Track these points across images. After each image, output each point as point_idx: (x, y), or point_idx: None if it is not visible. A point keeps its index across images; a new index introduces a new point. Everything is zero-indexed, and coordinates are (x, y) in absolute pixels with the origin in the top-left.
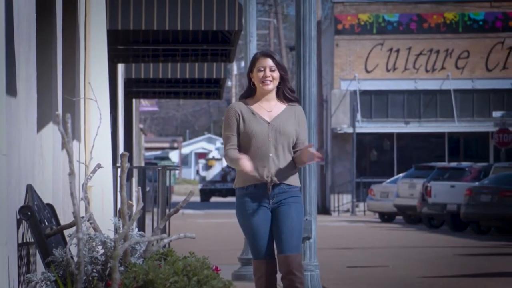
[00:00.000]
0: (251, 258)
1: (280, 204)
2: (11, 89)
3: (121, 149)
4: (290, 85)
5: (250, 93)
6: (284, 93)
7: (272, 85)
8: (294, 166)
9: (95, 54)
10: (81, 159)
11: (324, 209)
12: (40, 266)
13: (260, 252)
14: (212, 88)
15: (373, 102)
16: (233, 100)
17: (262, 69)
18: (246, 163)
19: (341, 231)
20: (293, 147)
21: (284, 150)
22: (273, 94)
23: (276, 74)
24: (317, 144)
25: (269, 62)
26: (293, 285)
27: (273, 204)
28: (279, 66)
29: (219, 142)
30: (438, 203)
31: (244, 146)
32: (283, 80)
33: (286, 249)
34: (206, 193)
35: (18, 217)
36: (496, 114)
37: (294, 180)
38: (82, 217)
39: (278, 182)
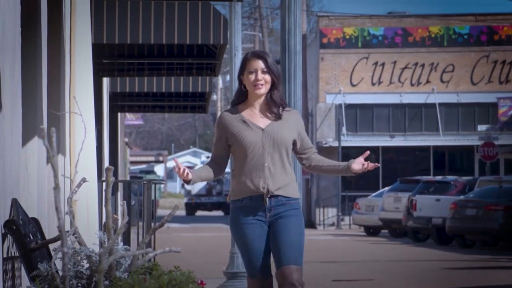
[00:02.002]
0: (237, 272)
1: (278, 217)
2: None
3: (106, 163)
4: (280, 91)
5: (241, 97)
6: (273, 98)
7: (264, 89)
8: (293, 175)
9: (80, 68)
10: (66, 173)
11: (309, 223)
12: (25, 280)
13: (255, 269)
14: (197, 102)
15: (358, 116)
16: (219, 114)
17: (253, 71)
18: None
19: (326, 244)
20: (299, 153)
21: (281, 158)
22: (265, 99)
23: (268, 77)
24: None
25: (261, 64)
26: None
27: (270, 218)
28: (271, 69)
29: (204, 156)
30: (423, 217)
31: (238, 156)
32: (273, 84)
33: (285, 261)
34: (192, 207)
35: (3, 231)
36: (481, 127)
37: (292, 191)
38: (67, 231)
39: (275, 193)
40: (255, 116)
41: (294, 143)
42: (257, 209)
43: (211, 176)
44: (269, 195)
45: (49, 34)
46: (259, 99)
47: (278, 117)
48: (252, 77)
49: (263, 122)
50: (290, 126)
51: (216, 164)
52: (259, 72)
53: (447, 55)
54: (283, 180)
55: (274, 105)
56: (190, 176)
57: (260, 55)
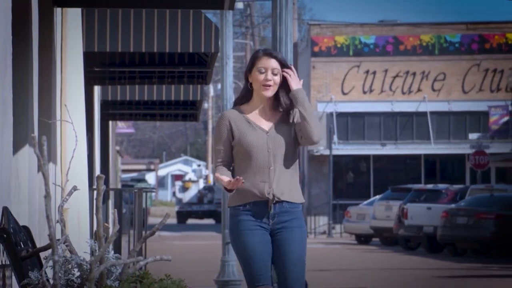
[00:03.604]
0: (228, 281)
1: (282, 228)
2: None
3: (97, 171)
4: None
5: (246, 96)
6: (281, 100)
7: (272, 91)
8: (296, 179)
9: (71, 76)
10: (57, 181)
11: None
12: None
13: (256, 279)
14: (188, 110)
15: (350, 124)
16: (210, 122)
17: (263, 70)
18: (224, 179)
19: (317, 253)
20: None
21: (286, 161)
22: (271, 99)
23: (278, 79)
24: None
25: (273, 63)
26: None
27: (273, 225)
28: (281, 70)
29: (195, 164)
30: (415, 225)
31: (241, 159)
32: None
33: (289, 279)
34: (183, 215)
35: None
36: (472, 136)
37: (297, 196)
38: (58, 240)
39: (280, 199)
40: (259, 118)
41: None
42: (260, 216)
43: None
44: (274, 201)
45: (40, 42)
46: (265, 100)
47: (282, 119)
48: (262, 76)
49: (266, 124)
50: (291, 126)
51: (229, 166)
52: (269, 72)
53: (438, 63)
54: (287, 185)
55: (280, 106)
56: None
57: (273, 54)
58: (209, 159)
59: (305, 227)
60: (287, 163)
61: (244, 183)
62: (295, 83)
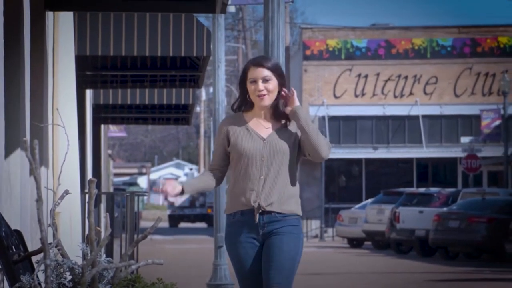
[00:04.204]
0: (220, 284)
1: (272, 234)
2: None
3: (89, 175)
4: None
5: (246, 104)
6: (280, 107)
7: (268, 99)
8: (294, 190)
9: (63, 80)
10: (49, 185)
11: None
12: None
13: None
14: (180, 114)
15: (342, 128)
16: (202, 126)
17: (253, 80)
18: (168, 185)
19: (309, 256)
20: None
21: (281, 170)
22: (272, 108)
23: (272, 85)
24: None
25: (262, 72)
26: None
27: (264, 236)
28: (273, 75)
29: (187, 168)
30: (407, 229)
31: (235, 165)
32: (278, 92)
33: (271, 284)
34: (175, 219)
35: None
36: (464, 139)
37: (291, 207)
38: (50, 243)
39: (267, 210)
40: (259, 125)
41: (299, 151)
42: (249, 226)
43: (210, 185)
44: (260, 211)
45: (32, 46)
46: (264, 109)
47: (283, 127)
48: (253, 87)
49: (266, 132)
50: (292, 133)
51: (218, 172)
52: (260, 82)
53: (430, 67)
54: (280, 196)
55: (281, 117)
56: (178, 189)
57: (260, 63)
58: (201, 162)
59: (301, 236)
60: (283, 173)
61: (235, 191)
62: (293, 102)
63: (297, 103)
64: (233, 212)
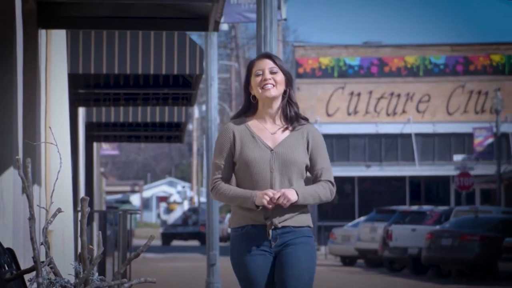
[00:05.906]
0: None
1: (285, 246)
2: None
3: (82, 193)
4: (295, 99)
5: (247, 111)
6: (287, 111)
7: (275, 90)
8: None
9: (56, 98)
10: (42, 203)
11: None
12: None
13: None
14: (173, 132)
15: (335, 146)
16: (194, 144)
17: (260, 72)
18: (260, 196)
19: None
20: (311, 175)
21: (291, 184)
22: (279, 111)
23: (280, 77)
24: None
25: (268, 63)
26: None
27: (276, 248)
28: (281, 68)
29: (180, 186)
30: (399, 247)
31: (241, 177)
32: (285, 91)
33: None
34: (168, 237)
35: None
36: (457, 157)
37: (302, 220)
38: (43, 262)
39: (279, 226)
40: (264, 132)
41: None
42: (260, 238)
43: None
44: (272, 227)
45: (24, 64)
46: (270, 110)
47: (292, 135)
48: (259, 78)
49: (272, 139)
50: (303, 145)
51: (231, 183)
52: (267, 71)
53: (423, 85)
54: (292, 209)
55: (287, 121)
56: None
57: (268, 55)
58: (194, 180)
59: (315, 247)
60: (293, 185)
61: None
62: (288, 200)
63: (293, 198)
64: (242, 226)
